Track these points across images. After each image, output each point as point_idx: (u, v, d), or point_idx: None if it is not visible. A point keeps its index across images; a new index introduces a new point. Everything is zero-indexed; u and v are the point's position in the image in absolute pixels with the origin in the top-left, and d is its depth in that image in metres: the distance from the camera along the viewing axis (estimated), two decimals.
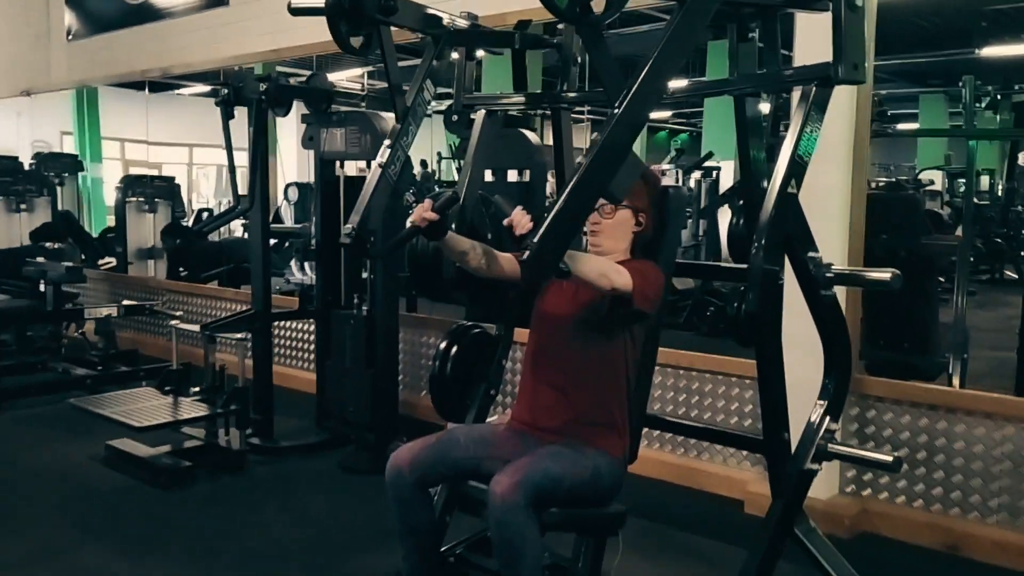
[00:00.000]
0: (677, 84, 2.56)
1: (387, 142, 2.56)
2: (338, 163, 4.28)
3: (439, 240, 2.37)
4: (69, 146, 18.83)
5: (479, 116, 2.95)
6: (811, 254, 2.20)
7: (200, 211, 10.34)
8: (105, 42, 7.04)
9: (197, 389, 4.09)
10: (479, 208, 2.97)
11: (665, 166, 14.70)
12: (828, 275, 2.19)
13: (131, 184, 7.40)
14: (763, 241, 2.10)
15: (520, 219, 2.07)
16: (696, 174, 13.45)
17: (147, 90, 8.63)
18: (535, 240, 1.87)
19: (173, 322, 4.24)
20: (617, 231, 2.43)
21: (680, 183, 13.52)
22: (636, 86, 1.85)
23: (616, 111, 1.86)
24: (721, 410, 3.78)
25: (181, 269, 7.16)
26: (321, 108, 4.27)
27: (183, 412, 3.87)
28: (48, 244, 5.57)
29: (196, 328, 4.11)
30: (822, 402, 2.28)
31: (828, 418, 2.27)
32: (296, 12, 2.70)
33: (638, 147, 18.85)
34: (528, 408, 2.43)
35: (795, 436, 2.29)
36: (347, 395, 4.24)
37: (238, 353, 3.94)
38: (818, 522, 2.42)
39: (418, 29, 2.70)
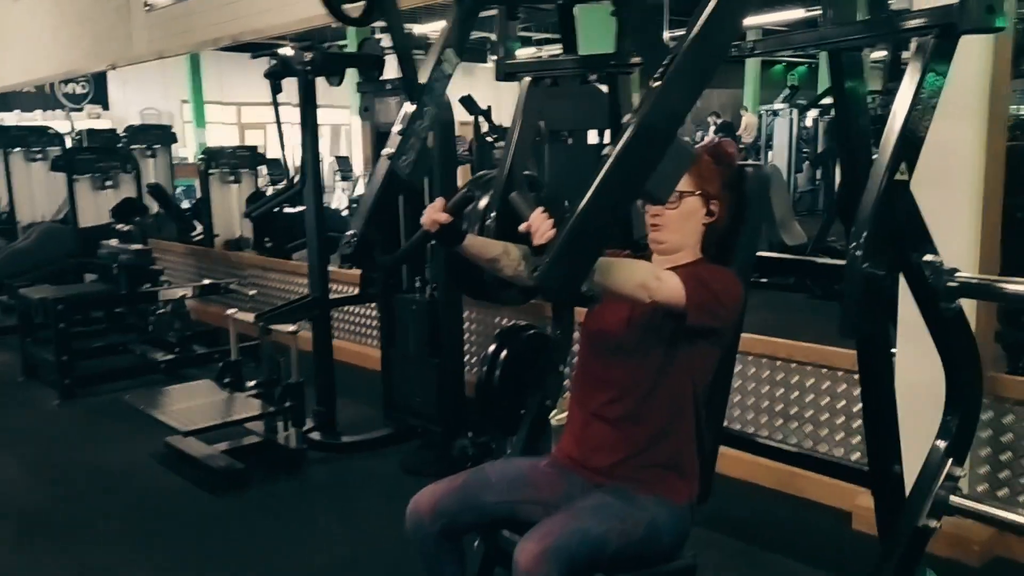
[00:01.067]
0: (749, 37, 2.06)
1: (397, 127, 2.16)
2: None
3: (455, 246, 1.98)
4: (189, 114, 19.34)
5: (523, 84, 2.52)
6: (928, 257, 1.70)
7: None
8: (181, 11, 6.87)
9: (253, 383, 3.87)
10: (524, 191, 2.54)
11: (778, 105, 13.75)
12: (951, 284, 1.69)
13: (213, 156, 7.29)
14: (863, 239, 1.62)
15: (539, 224, 1.65)
16: (812, 112, 12.44)
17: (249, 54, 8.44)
18: (548, 258, 1.46)
19: (229, 311, 4.02)
20: (684, 224, 1.98)
21: (795, 123, 12.68)
22: (683, 51, 1.40)
23: (654, 85, 1.42)
24: (824, 420, 3.26)
25: (266, 240, 7.03)
26: (373, 76, 3.91)
27: (235, 411, 3.66)
28: (120, 225, 5.46)
29: (250, 318, 3.87)
30: (942, 442, 1.79)
31: (950, 462, 1.78)
32: None
33: (750, 84, 17.92)
34: (575, 442, 2.04)
35: (910, 465, 1.81)
36: (412, 385, 3.94)
37: (291, 346, 3.68)
38: (941, 546, 1.92)
39: None
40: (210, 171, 7.20)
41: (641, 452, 1.92)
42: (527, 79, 2.50)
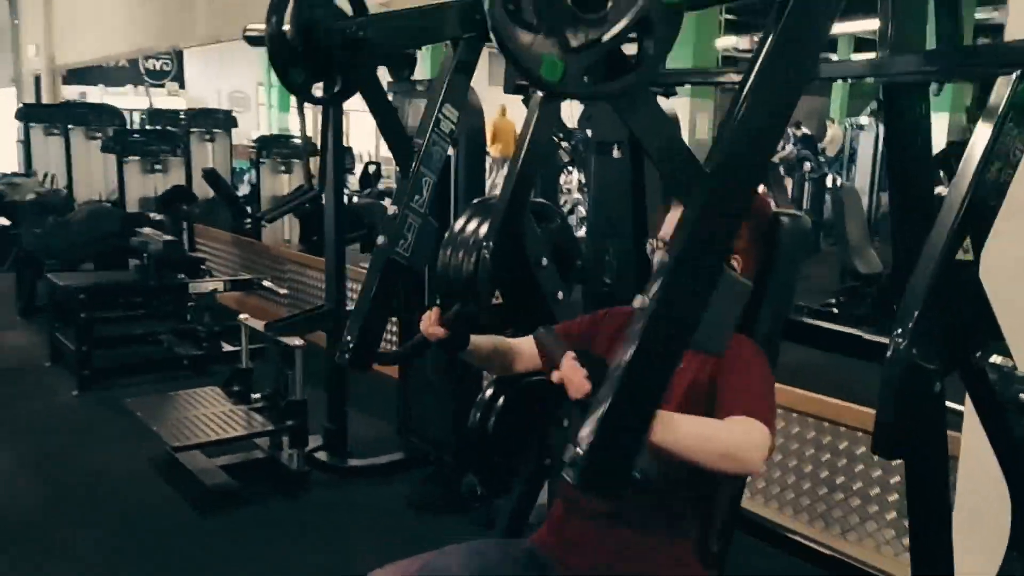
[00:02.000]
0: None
1: (392, 209, 1.88)
2: None
3: (459, 352, 1.82)
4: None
5: (535, 97, 2.20)
6: (994, 359, 1.32)
7: (368, 165, 10.09)
8: None
9: (259, 396, 3.65)
10: (529, 226, 2.23)
11: (863, 119, 13.01)
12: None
13: (265, 144, 7.15)
14: (910, 326, 1.26)
15: (572, 375, 1.32)
16: None
17: None
18: (582, 450, 1.16)
19: (242, 317, 3.81)
20: None
21: (881, 138, 11.93)
22: (714, 170, 1.10)
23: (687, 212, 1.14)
24: (874, 496, 2.84)
25: (314, 236, 6.86)
26: (404, 75, 3.63)
27: (235, 426, 3.44)
28: (153, 214, 5.33)
29: (260, 326, 3.65)
30: None
31: None
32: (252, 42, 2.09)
33: (839, 92, 17.14)
34: (554, 532, 1.72)
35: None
36: (429, 411, 3.67)
37: (297, 361, 3.44)
38: None
39: (420, 44, 1.99)
40: (262, 160, 7.06)
41: (627, 559, 1.59)
42: (539, 93, 2.17)
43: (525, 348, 1.96)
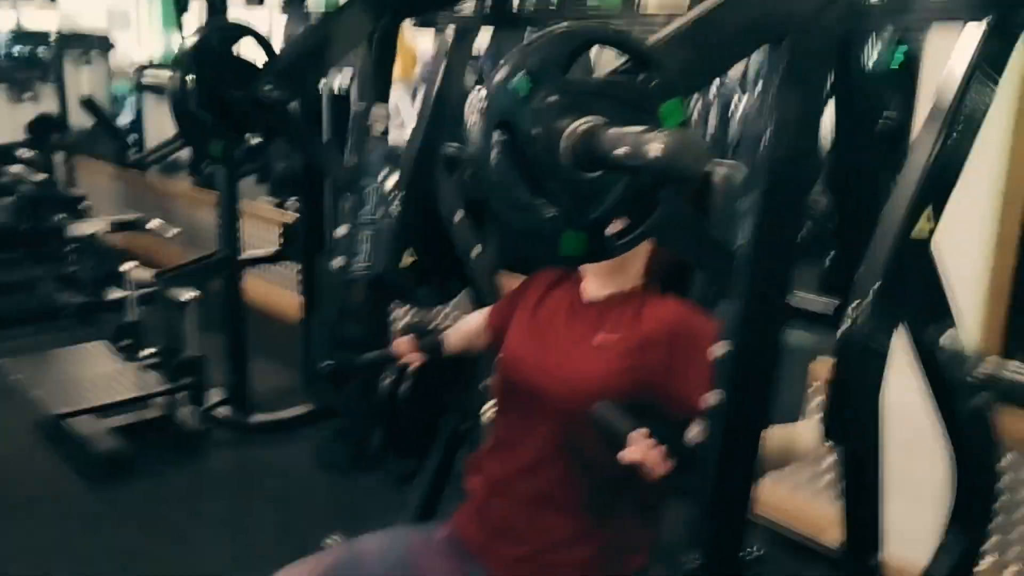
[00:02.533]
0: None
1: (340, 230, 1.78)
2: None
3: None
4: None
5: (446, 34, 1.99)
6: (946, 336, 1.23)
7: None
8: None
9: (151, 352, 3.40)
10: (442, 176, 2.05)
11: None
12: (974, 376, 1.23)
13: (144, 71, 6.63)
14: (864, 303, 1.16)
15: (648, 456, 1.21)
16: None
17: None
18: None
19: (126, 266, 3.51)
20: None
21: None
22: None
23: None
24: None
25: (205, 167, 6.44)
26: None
27: (125, 386, 3.19)
28: (21, 151, 4.87)
29: (149, 277, 3.37)
30: (942, 564, 1.37)
31: None
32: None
33: None
34: (475, 518, 1.59)
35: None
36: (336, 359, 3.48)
37: (188, 316, 3.20)
38: None
39: (338, 60, 1.88)
40: (145, 87, 6.55)
41: (558, 547, 1.48)
42: (451, 29, 1.97)
43: (475, 327, 1.83)
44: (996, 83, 1.12)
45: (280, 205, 5.20)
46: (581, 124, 0.95)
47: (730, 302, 1.14)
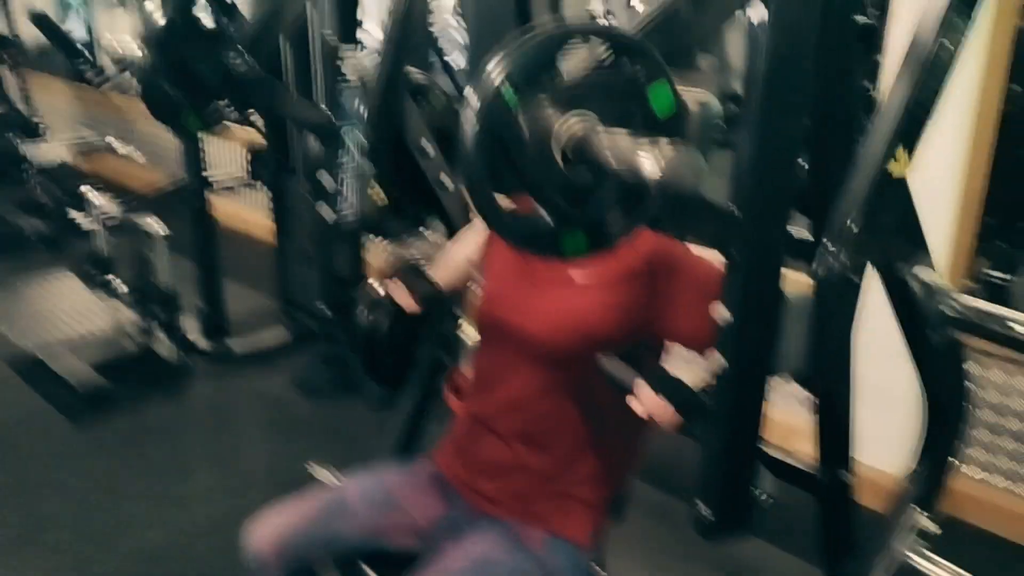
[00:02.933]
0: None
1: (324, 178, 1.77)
2: None
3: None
4: None
5: None
6: (919, 271, 1.24)
7: None
8: None
9: (121, 283, 3.35)
10: (410, 108, 1.99)
11: None
12: (946, 310, 1.24)
13: None
14: (841, 238, 1.17)
15: (659, 411, 1.25)
16: None
17: None
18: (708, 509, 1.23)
19: (90, 194, 3.42)
20: None
21: None
22: None
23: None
24: None
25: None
26: None
27: (94, 320, 3.16)
28: None
29: (115, 207, 3.30)
30: (911, 490, 1.41)
31: (919, 516, 1.41)
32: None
33: None
34: (458, 453, 1.62)
35: None
36: (310, 281, 3.46)
37: (159, 248, 3.15)
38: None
39: None
40: None
41: (545, 482, 1.51)
42: None
43: (462, 257, 1.77)
44: (969, 21, 1.09)
45: (241, 120, 5.07)
46: (573, 124, 0.95)
47: (730, 251, 1.15)
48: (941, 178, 2.28)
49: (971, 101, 2.23)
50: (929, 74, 1.10)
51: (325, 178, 1.96)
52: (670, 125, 1.03)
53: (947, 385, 1.32)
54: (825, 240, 1.17)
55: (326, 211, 1.84)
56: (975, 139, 2.26)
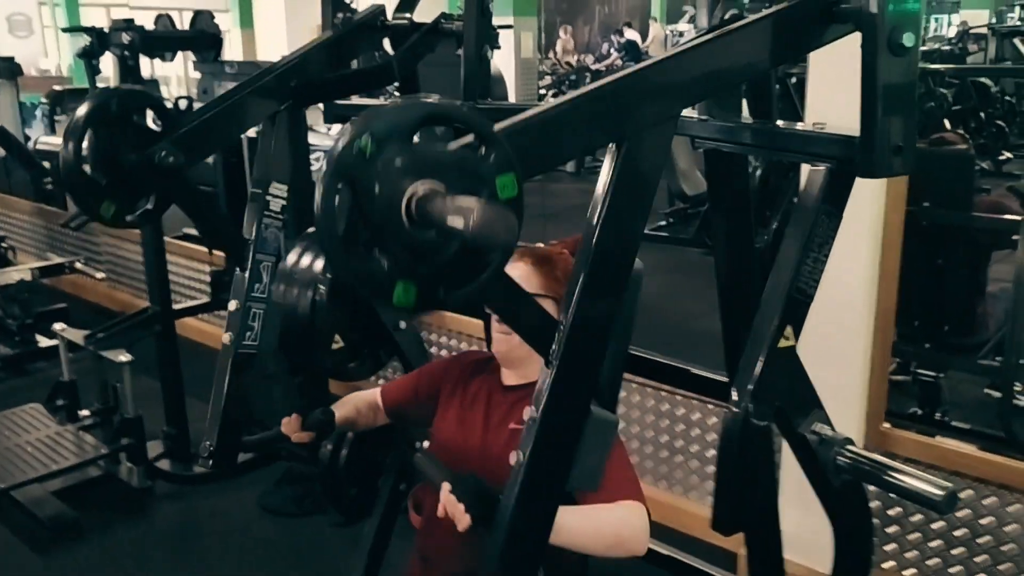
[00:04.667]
0: None
1: (232, 304, 1.79)
2: None
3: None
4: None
5: None
6: (816, 427, 1.41)
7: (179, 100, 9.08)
8: None
9: (87, 413, 3.44)
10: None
11: (683, 26, 13.13)
12: (842, 460, 1.41)
13: (58, 100, 6.50)
14: (743, 400, 1.34)
15: (452, 510, 1.37)
16: None
17: None
18: None
19: (57, 327, 3.53)
20: None
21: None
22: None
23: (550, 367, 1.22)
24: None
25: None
26: (210, 56, 3.37)
27: (65, 451, 3.23)
28: None
29: (79, 337, 3.40)
30: None
31: None
32: None
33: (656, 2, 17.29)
34: (428, 569, 1.75)
35: None
36: (272, 401, 3.56)
37: (125, 376, 3.24)
38: None
39: (238, 135, 1.86)
40: (56, 117, 6.43)
41: None
42: None
43: (365, 403, 1.96)
44: (839, 217, 1.29)
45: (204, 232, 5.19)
46: (419, 187, 1.00)
47: (546, 372, 1.25)
48: (856, 302, 2.48)
49: (877, 229, 2.45)
50: (807, 262, 1.29)
51: (231, 304, 1.95)
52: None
53: (850, 522, 1.48)
54: (730, 402, 1.34)
55: (225, 337, 1.88)
56: (883, 262, 2.47)
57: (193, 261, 4.80)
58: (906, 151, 1.21)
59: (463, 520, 1.33)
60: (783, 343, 1.31)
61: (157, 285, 3.50)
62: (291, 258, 2.26)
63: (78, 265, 4.97)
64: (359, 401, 1.93)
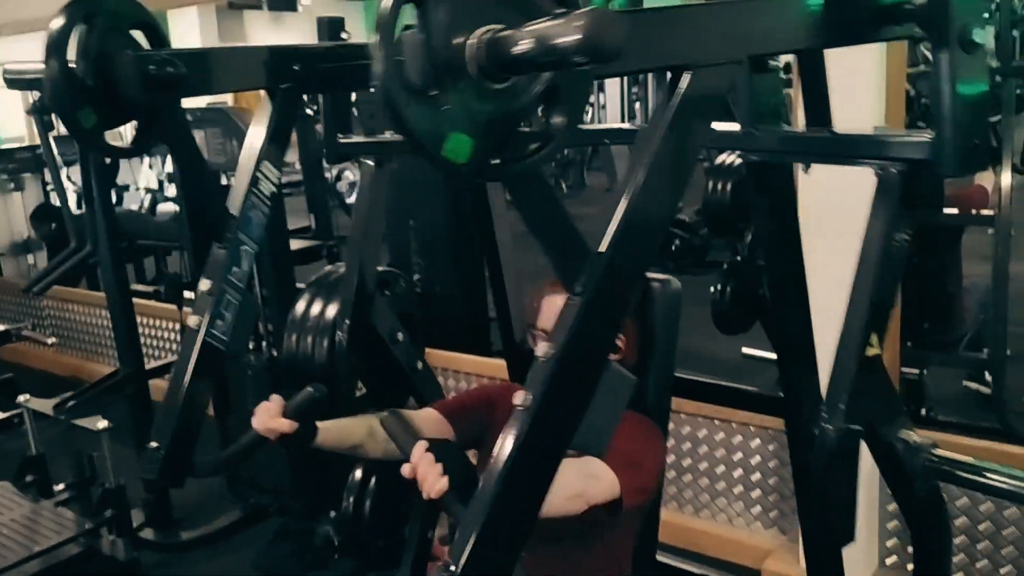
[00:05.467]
0: None
1: (204, 285, 1.61)
2: None
3: (305, 446, 1.54)
4: None
5: (365, 169, 2.02)
6: (902, 433, 1.39)
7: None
8: None
9: (62, 487, 3.23)
10: (378, 299, 2.08)
11: None
12: (928, 462, 1.40)
13: None
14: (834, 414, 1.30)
15: (427, 470, 1.21)
16: None
17: None
18: (457, 570, 1.05)
19: (22, 398, 3.31)
20: None
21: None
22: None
23: (575, 299, 1.04)
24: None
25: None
26: None
27: (42, 531, 3.02)
28: None
29: (48, 407, 3.21)
30: None
31: None
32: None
33: None
34: None
35: None
36: (259, 459, 3.42)
37: (103, 443, 3.06)
38: None
39: (234, 88, 1.73)
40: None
41: None
42: (369, 162, 2.00)
43: (360, 432, 1.80)
44: (910, 220, 1.28)
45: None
46: (484, 33, 0.91)
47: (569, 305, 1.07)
48: None
49: None
50: (885, 269, 1.27)
51: (203, 284, 1.63)
52: None
53: (931, 527, 1.46)
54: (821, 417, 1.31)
55: (191, 319, 1.59)
56: None
57: (159, 319, 4.61)
58: (982, 147, 1.21)
59: (439, 483, 1.18)
60: (870, 351, 1.29)
61: (127, 346, 3.33)
62: (300, 306, 2.19)
63: (26, 332, 4.72)
64: (351, 428, 1.71)
